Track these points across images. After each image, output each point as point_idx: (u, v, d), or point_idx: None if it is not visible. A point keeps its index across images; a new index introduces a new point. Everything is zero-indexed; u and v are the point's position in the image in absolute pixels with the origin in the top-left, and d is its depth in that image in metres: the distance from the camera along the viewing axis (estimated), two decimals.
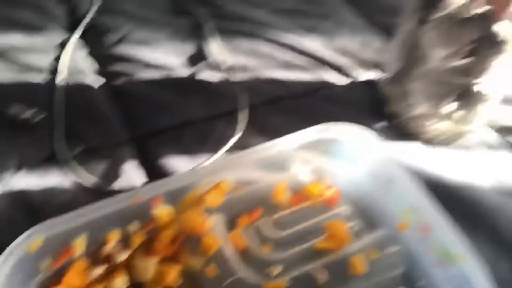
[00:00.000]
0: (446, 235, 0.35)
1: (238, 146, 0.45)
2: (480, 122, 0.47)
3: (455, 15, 0.39)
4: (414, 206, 0.37)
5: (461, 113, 0.45)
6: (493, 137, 0.48)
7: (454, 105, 0.45)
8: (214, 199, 0.37)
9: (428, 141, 0.47)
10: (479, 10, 0.39)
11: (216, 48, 0.54)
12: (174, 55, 0.54)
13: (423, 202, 0.36)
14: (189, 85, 0.51)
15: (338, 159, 0.41)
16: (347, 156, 0.41)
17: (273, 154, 0.39)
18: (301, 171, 0.41)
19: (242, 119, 0.47)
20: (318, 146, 0.41)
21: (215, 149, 0.45)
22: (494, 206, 0.41)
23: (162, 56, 0.54)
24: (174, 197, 0.36)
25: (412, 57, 0.43)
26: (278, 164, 0.40)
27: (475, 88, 0.43)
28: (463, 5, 0.38)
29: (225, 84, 0.51)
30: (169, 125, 0.47)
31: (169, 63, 0.53)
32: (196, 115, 0.48)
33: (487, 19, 0.39)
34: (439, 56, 0.42)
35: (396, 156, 0.39)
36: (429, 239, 0.36)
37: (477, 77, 0.42)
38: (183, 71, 0.52)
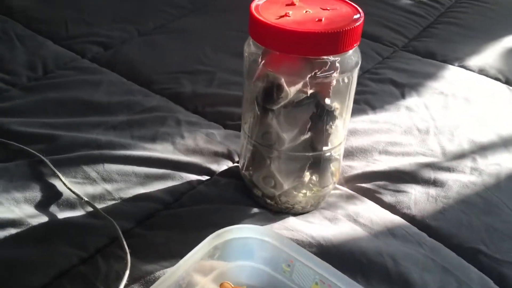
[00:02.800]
0: None
1: (130, 281, 0.43)
2: (335, 180, 0.53)
3: (292, 101, 0.44)
4: (318, 278, 0.40)
5: (317, 178, 0.50)
6: (345, 189, 0.55)
7: (308, 174, 0.50)
8: None
9: (299, 212, 0.51)
10: (309, 92, 0.44)
11: (67, 183, 0.51)
12: (19, 206, 0.49)
13: (323, 271, 0.39)
14: (51, 231, 0.47)
15: (237, 260, 0.43)
16: (243, 255, 0.42)
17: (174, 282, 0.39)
18: (206, 284, 0.42)
19: (123, 249, 0.45)
20: (214, 254, 0.41)
21: None
22: (379, 248, 0.46)
23: (6, 211, 0.48)
24: None
25: (266, 144, 0.47)
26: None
27: (323, 155, 0.49)
28: (297, 92, 0.43)
29: (89, 217, 0.49)
30: (42, 284, 0.43)
31: (17, 216, 0.48)
32: (70, 262, 0.45)
33: (315, 98, 0.45)
34: (289, 137, 0.46)
35: (288, 243, 0.42)
36: None
37: (322, 145, 0.48)
38: (38, 220, 0.48)
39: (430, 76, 0.73)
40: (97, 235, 0.47)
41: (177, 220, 0.50)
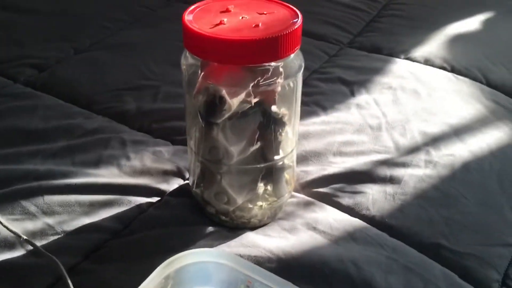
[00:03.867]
0: None
1: None
2: (291, 188, 0.51)
3: (237, 113, 0.42)
4: None
5: (272, 189, 0.48)
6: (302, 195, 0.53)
7: (262, 186, 0.48)
8: None
9: (256, 225, 0.49)
10: (254, 101, 0.42)
11: (3, 221, 0.47)
12: None
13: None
14: None
15: (193, 286, 0.40)
16: (199, 280, 0.40)
17: None
18: None
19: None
20: (166, 284, 0.39)
21: None
22: (340, 255, 0.45)
23: None
24: None
25: (214, 160, 0.45)
26: None
27: (276, 164, 0.47)
28: (241, 103, 0.41)
29: (30, 256, 0.45)
30: None
31: None
32: None
33: (261, 106, 0.43)
34: (237, 150, 0.44)
35: (244, 263, 0.39)
36: None
37: (273, 155, 0.46)
38: None
39: (378, 71, 0.73)
40: (41, 274, 0.44)
41: (129, 249, 0.47)
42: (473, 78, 0.72)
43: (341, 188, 0.53)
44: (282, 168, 0.48)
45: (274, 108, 0.44)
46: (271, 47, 0.39)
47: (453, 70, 0.73)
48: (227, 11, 0.42)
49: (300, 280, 0.42)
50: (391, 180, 0.54)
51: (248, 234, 0.48)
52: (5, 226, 0.47)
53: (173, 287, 0.39)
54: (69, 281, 0.42)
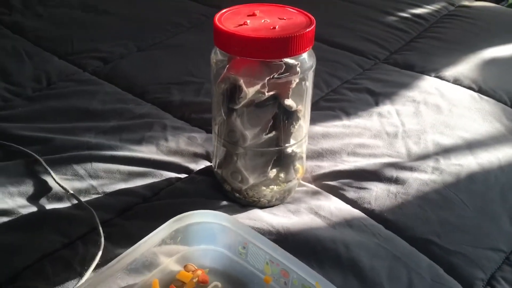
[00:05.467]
0: (300, 273, 0.42)
1: (103, 262, 0.47)
2: (300, 176, 0.57)
3: (253, 102, 0.49)
4: (269, 259, 0.44)
5: (282, 174, 0.55)
6: (312, 186, 0.59)
7: (274, 170, 0.54)
8: None
9: (265, 205, 0.55)
10: (270, 93, 0.49)
11: (56, 179, 0.57)
12: (12, 198, 0.55)
13: (272, 252, 0.44)
14: (39, 220, 0.52)
15: (199, 244, 0.47)
16: (205, 239, 0.47)
17: (139, 258, 0.44)
18: (170, 264, 0.46)
19: (100, 236, 0.50)
20: (176, 236, 0.46)
21: (81, 272, 0.47)
22: (334, 237, 0.50)
23: (0, 203, 0.54)
24: None
25: (231, 141, 0.52)
26: (147, 265, 0.45)
27: (287, 152, 0.54)
28: (256, 93, 0.48)
29: (74, 209, 0.54)
30: (25, 265, 0.48)
31: (10, 207, 0.54)
32: (53, 246, 0.50)
33: (277, 99, 0.50)
34: (251, 134, 0.51)
35: (242, 226, 0.46)
36: (289, 281, 0.43)
37: (286, 143, 0.53)
38: (28, 210, 0.54)
39: (406, 85, 0.77)
40: (80, 224, 0.52)
41: (153, 211, 0.54)
42: (498, 99, 0.74)
43: (348, 183, 0.59)
44: (291, 156, 0.54)
45: (288, 101, 0.51)
46: (281, 45, 0.45)
47: (479, 90, 0.77)
48: (253, 15, 0.50)
49: (294, 253, 0.48)
50: (396, 181, 0.59)
51: (256, 210, 0.54)
52: (57, 182, 0.57)
53: (182, 240, 0.46)
54: (100, 228, 0.50)
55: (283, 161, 0.54)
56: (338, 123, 0.69)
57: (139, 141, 0.65)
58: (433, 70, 0.82)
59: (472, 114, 0.71)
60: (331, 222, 0.53)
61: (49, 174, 0.58)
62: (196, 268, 0.47)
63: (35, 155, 0.61)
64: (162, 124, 0.68)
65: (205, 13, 1.02)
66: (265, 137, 0.52)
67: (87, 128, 0.67)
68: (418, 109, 0.72)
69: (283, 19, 0.49)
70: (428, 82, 0.78)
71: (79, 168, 0.59)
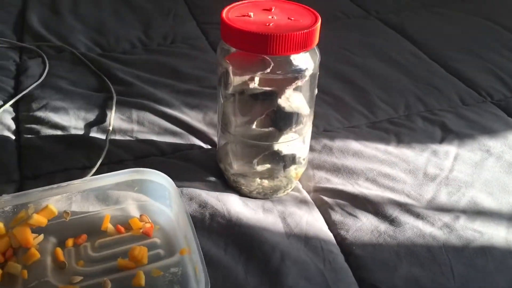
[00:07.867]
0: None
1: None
2: (293, 180, 0.57)
3: (245, 92, 0.51)
4: (186, 234, 0.47)
5: (270, 170, 0.55)
6: (306, 194, 0.57)
7: (264, 165, 0.55)
8: (38, 221, 0.49)
9: (247, 194, 0.57)
10: (265, 89, 0.50)
11: (113, 117, 0.68)
12: (77, 120, 0.68)
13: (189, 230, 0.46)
14: (77, 141, 0.64)
15: (157, 200, 0.53)
16: (161, 197, 0.52)
17: (109, 190, 0.51)
18: (130, 207, 0.53)
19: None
20: (133, 186, 0.52)
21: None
22: (277, 245, 0.50)
23: (68, 120, 0.68)
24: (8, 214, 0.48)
25: (223, 123, 0.55)
26: (113, 199, 0.52)
27: (277, 150, 0.54)
28: (244, 83, 0.50)
29: (105, 142, 0.64)
30: (51, 170, 0.60)
31: (70, 125, 0.67)
32: (77, 164, 0.61)
33: (272, 96, 0.51)
34: (238, 122, 0.53)
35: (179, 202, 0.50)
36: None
37: (275, 141, 0.53)
38: (77, 131, 0.66)
39: (493, 133, 0.66)
40: (102, 155, 0.62)
41: (162, 165, 0.61)
42: None
43: (342, 205, 0.56)
44: (280, 155, 0.54)
45: (281, 101, 0.51)
46: (260, 41, 0.46)
47: None
48: (268, 9, 0.51)
49: (228, 241, 0.50)
50: (392, 221, 0.53)
51: (232, 195, 0.56)
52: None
53: (138, 191, 0.52)
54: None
55: (273, 158, 0.54)
56: (381, 146, 0.64)
57: (194, 107, 0.71)
58: None
59: None
60: (290, 232, 0.52)
61: (110, 109, 0.69)
62: (150, 222, 0.52)
63: (113, 92, 0.73)
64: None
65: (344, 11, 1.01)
66: (258, 129, 0.53)
67: (167, 84, 0.77)
68: (484, 161, 0.61)
69: (291, 19, 0.49)
70: None
71: (134, 112, 0.69)
